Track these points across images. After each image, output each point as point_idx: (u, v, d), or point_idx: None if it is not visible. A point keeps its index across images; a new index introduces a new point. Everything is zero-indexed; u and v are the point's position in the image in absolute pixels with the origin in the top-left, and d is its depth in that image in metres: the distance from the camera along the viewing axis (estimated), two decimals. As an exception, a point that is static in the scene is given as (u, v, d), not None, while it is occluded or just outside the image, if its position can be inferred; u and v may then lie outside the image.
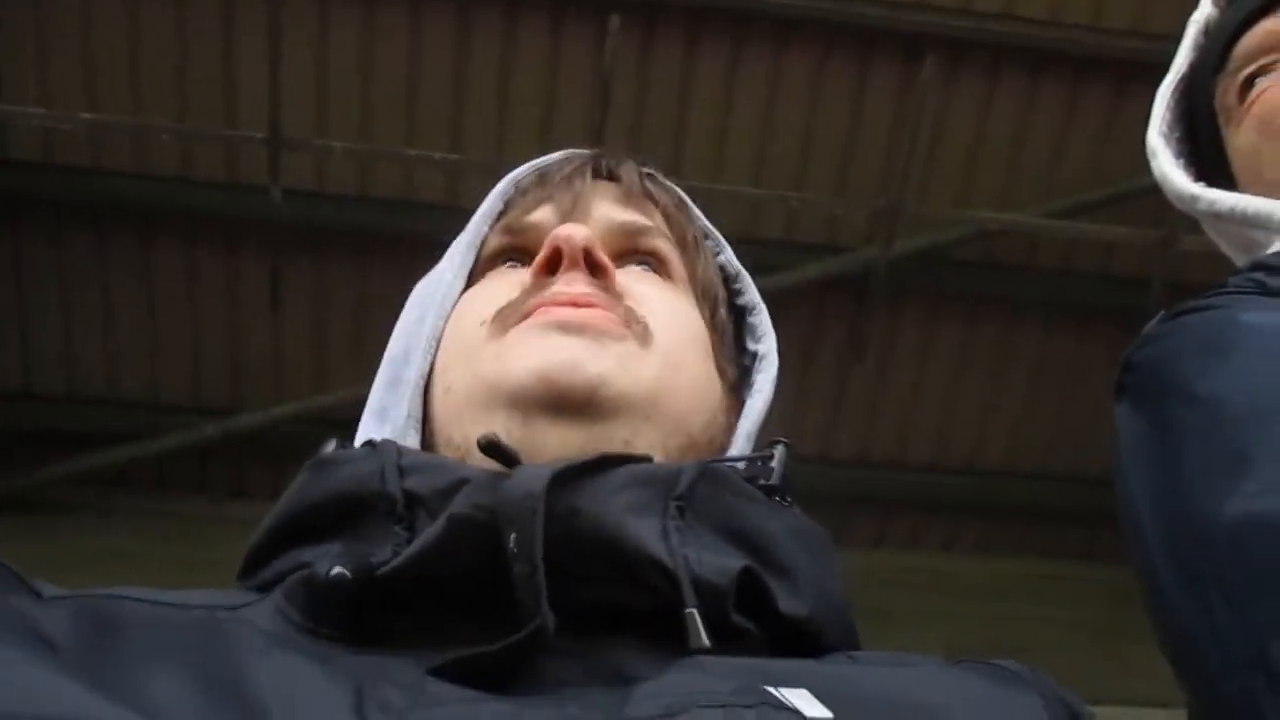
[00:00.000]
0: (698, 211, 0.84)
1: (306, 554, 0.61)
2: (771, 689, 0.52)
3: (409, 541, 0.59)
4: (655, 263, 0.77)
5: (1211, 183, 0.97)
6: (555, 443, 0.64)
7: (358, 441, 0.73)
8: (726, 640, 0.57)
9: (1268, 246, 0.89)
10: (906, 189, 3.31)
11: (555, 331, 0.67)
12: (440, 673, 0.53)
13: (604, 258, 0.72)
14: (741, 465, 0.69)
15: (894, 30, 3.39)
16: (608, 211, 0.77)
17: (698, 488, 0.61)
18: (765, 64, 3.43)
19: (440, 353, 0.73)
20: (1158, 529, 0.72)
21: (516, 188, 0.81)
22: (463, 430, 0.67)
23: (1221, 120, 1.00)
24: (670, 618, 0.57)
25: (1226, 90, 0.99)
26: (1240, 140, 0.97)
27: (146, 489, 3.71)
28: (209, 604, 0.59)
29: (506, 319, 0.70)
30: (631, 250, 0.77)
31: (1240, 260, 0.93)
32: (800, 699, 0.52)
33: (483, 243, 0.78)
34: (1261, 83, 0.95)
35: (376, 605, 0.58)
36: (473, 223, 0.80)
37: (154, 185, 3.42)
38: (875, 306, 3.59)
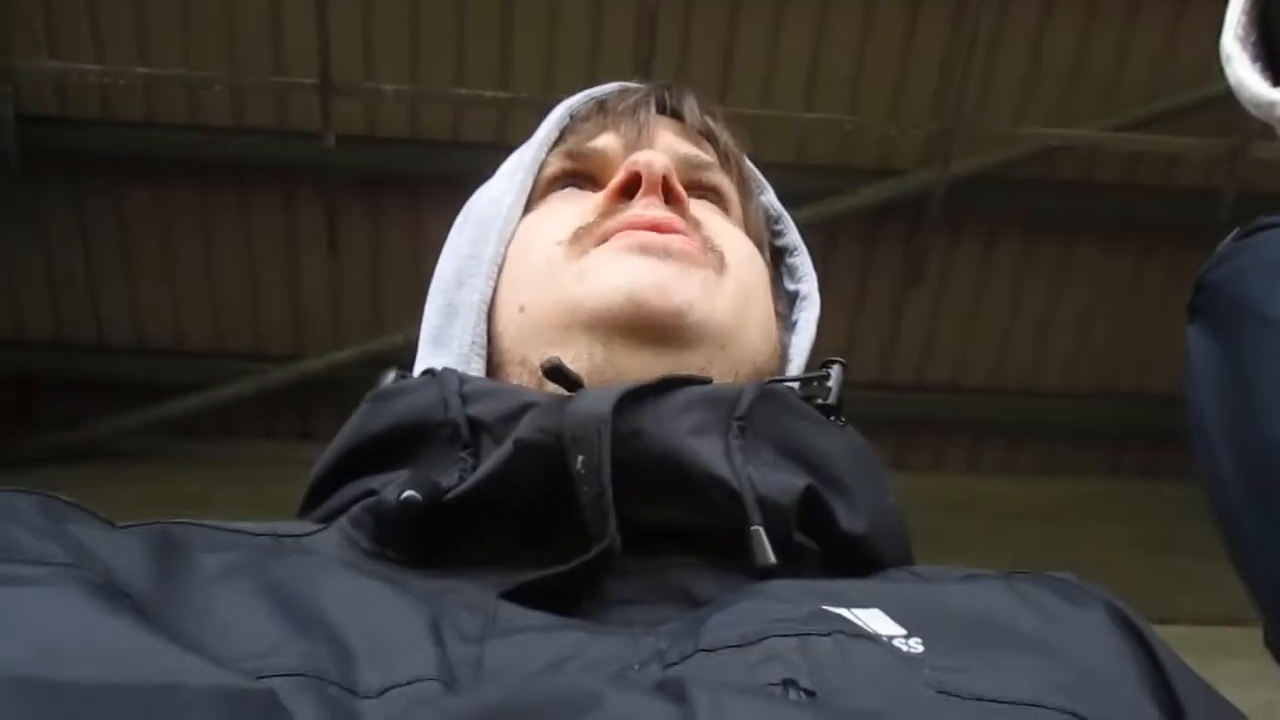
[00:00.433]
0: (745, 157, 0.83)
1: (372, 482, 0.62)
2: (844, 611, 0.52)
3: (474, 468, 0.60)
4: (715, 198, 0.77)
5: None
6: (637, 367, 0.64)
7: (416, 370, 0.74)
8: (789, 559, 0.57)
9: None
10: (963, 108, 3.25)
11: (640, 254, 0.67)
12: (510, 595, 0.54)
13: (679, 187, 0.72)
14: (798, 386, 0.69)
15: (946, -58, 3.30)
16: (672, 143, 0.77)
17: (757, 408, 0.61)
18: (814, -16, 3.37)
19: (505, 274, 0.72)
20: (1229, 456, 0.71)
21: (573, 115, 0.80)
22: (539, 351, 0.67)
23: None
24: (734, 537, 0.57)
25: None
26: None
27: (214, 436, 3.79)
28: (275, 531, 0.61)
29: (583, 240, 0.70)
30: (695, 184, 0.76)
31: None
32: (874, 619, 0.52)
33: (540, 167, 0.78)
34: None
35: (440, 530, 0.59)
36: (530, 146, 0.79)
37: (207, 136, 3.45)
38: (932, 229, 3.54)
